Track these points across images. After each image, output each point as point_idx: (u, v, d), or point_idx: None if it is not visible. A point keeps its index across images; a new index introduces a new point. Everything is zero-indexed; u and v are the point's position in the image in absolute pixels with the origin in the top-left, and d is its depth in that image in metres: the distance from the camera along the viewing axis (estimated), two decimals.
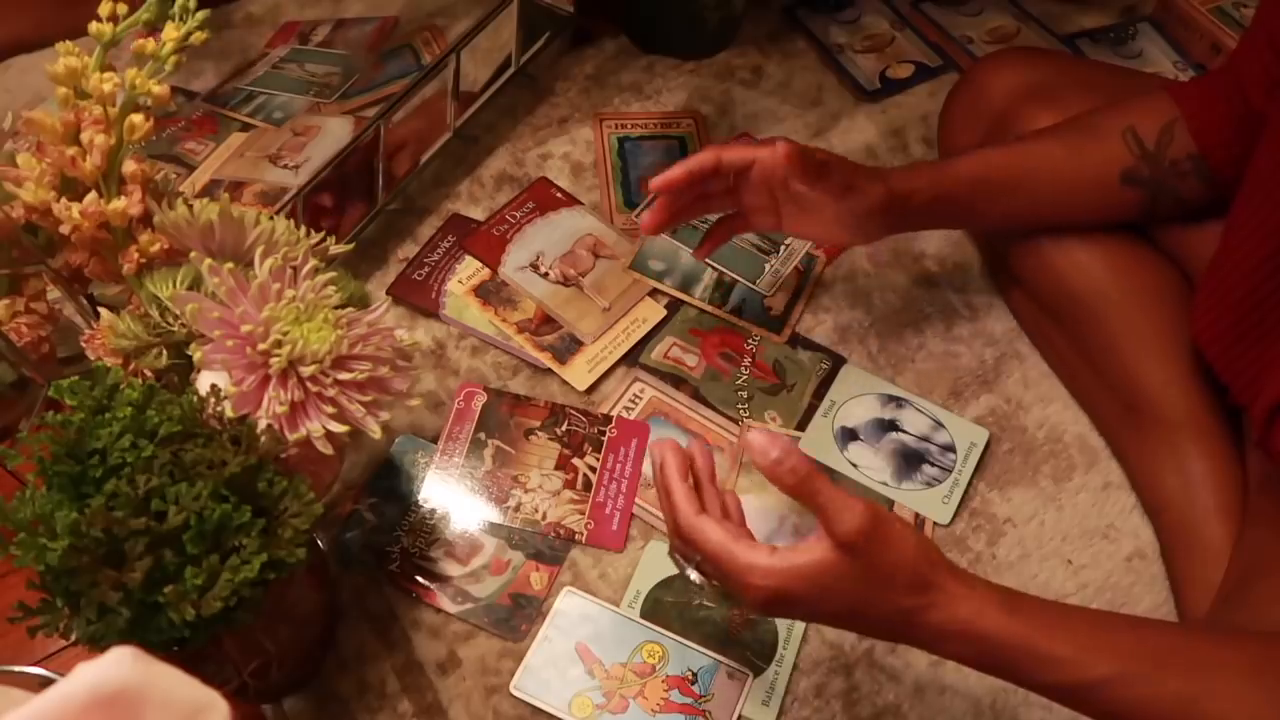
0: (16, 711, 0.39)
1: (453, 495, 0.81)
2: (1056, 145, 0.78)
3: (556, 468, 0.83)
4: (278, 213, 0.72)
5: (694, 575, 0.61)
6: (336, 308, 0.63)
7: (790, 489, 0.54)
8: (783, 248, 0.96)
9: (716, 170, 0.76)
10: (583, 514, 0.80)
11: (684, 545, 0.59)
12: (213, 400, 0.58)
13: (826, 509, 0.53)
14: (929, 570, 0.54)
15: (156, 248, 0.64)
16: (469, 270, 0.94)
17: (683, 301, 0.93)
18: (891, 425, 0.85)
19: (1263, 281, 0.65)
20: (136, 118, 0.63)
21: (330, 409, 0.61)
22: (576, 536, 0.79)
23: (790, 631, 0.76)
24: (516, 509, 0.80)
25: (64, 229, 0.62)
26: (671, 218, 0.78)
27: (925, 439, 0.85)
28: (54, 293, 0.69)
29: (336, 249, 0.70)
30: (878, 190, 0.76)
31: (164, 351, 0.63)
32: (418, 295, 0.92)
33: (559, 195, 1.00)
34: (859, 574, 0.53)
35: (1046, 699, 0.56)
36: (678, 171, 0.76)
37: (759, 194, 0.78)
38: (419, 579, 0.77)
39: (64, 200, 0.62)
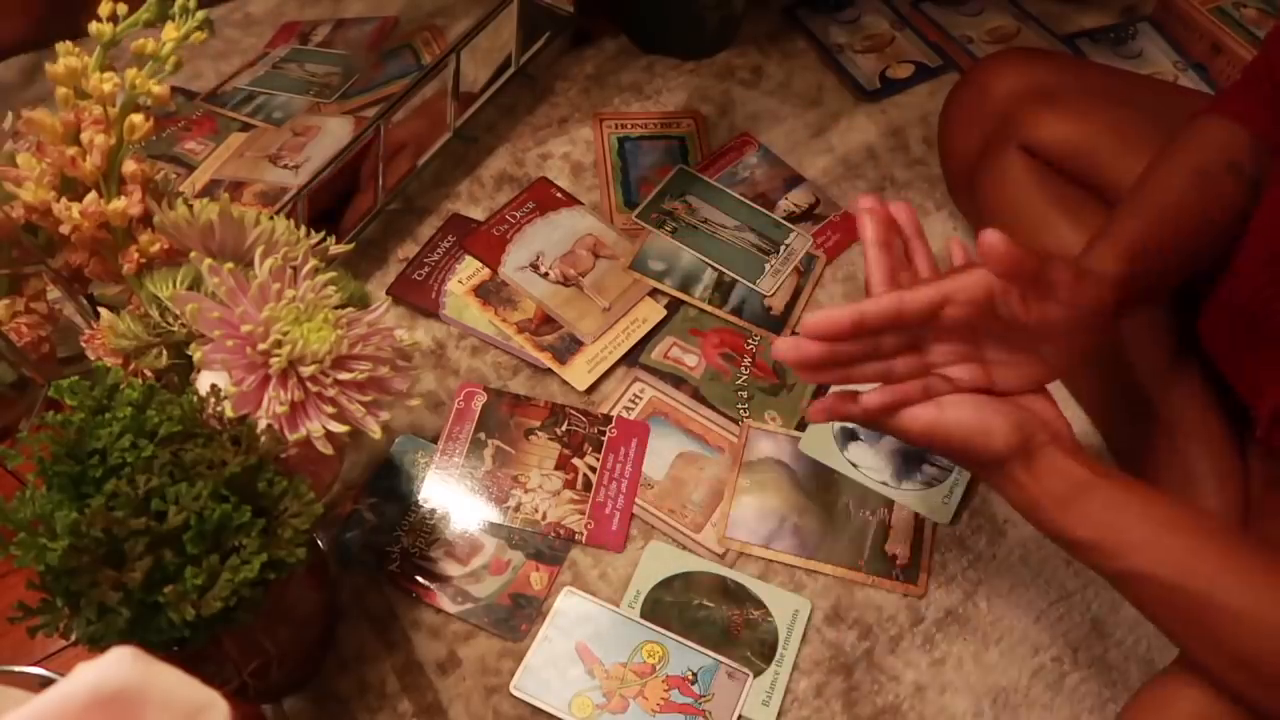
0: (16, 711, 0.39)
1: (453, 495, 0.81)
2: (1192, 199, 0.68)
3: (556, 468, 0.83)
4: (278, 213, 0.72)
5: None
6: (336, 308, 0.63)
7: (1029, 268, 0.56)
8: (783, 248, 0.96)
9: (896, 323, 0.57)
10: (583, 514, 0.80)
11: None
12: (213, 400, 0.58)
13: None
14: None
15: (156, 248, 0.64)
16: (469, 270, 0.94)
17: (683, 301, 0.93)
18: None
19: (1271, 281, 0.65)
20: (136, 118, 0.62)
21: (330, 409, 0.61)
22: (576, 536, 0.79)
23: (790, 631, 0.76)
24: (516, 509, 0.80)
25: (64, 229, 0.62)
26: (827, 372, 0.59)
27: None
28: (54, 293, 0.69)
29: (336, 249, 0.70)
30: (1092, 283, 0.61)
31: (164, 351, 0.63)
32: (418, 295, 0.92)
33: (559, 195, 1.00)
34: None
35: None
36: (843, 316, 0.56)
37: (956, 343, 0.59)
38: (419, 579, 0.77)
39: (64, 200, 0.62)
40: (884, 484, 0.82)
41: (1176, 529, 0.57)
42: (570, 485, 0.82)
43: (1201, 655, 0.56)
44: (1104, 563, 0.58)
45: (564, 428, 0.85)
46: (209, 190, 0.97)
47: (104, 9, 0.63)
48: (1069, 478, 0.58)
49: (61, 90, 0.63)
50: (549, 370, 0.88)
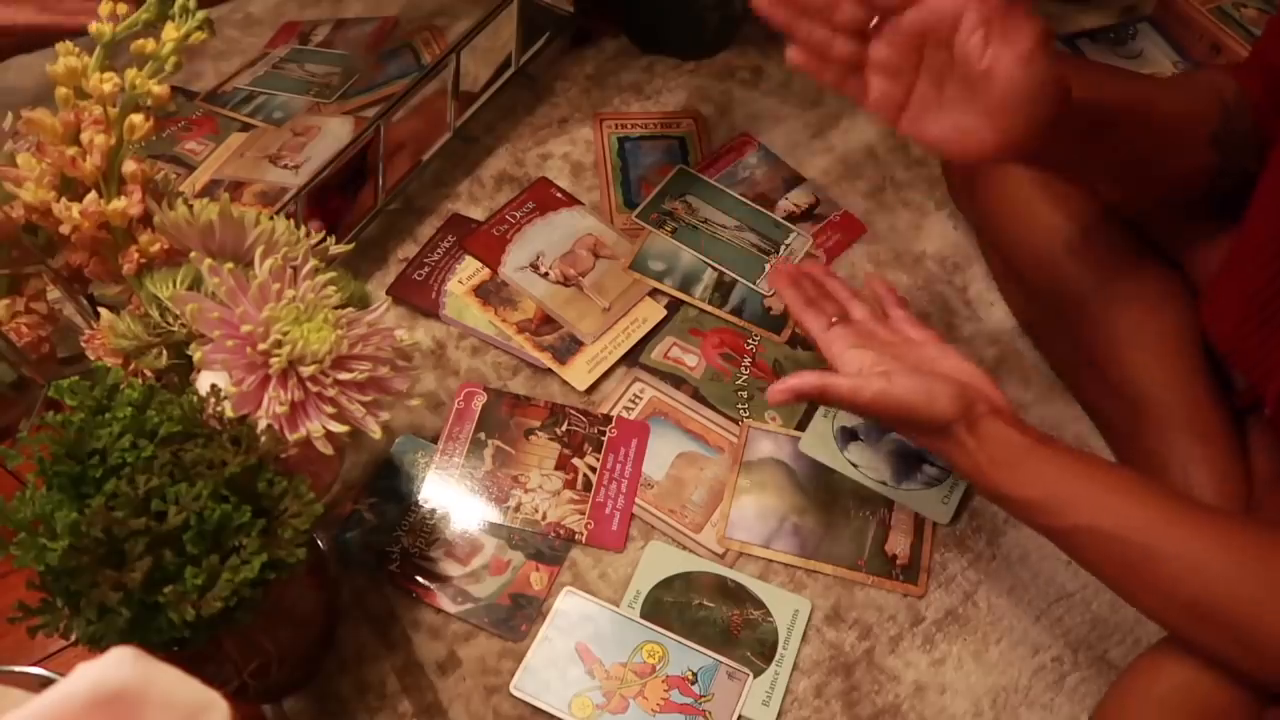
0: (16, 711, 0.39)
1: (453, 495, 0.81)
2: (1159, 91, 0.71)
3: (556, 468, 0.83)
4: (278, 213, 0.72)
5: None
6: (336, 308, 0.63)
7: None
8: (783, 248, 0.96)
9: None
10: (583, 514, 0.80)
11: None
12: (213, 400, 0.58)
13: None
14: None
15: (156, 248, 0.64)
16: (469, 270, 0.94)
17: (683, 301, 0.92)
18: None
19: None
20: (136, 118, 0.63)
21: (330, 409, 0.61)
22: (576, 536, 0.79)
23: (790, 631, 0.76)
24: (516, 509, 0.80)
25: (64, 229, 0.62)
26: (781, 8, 0.58)
27: None
28: (54, 293, 0.69)
29: (336, 249, 0.70)
30: (1048, 63, 0.58)
31: (164, 351, 0.63)
32: (418, 295, 0.92)
33: (559, 195, 1.00)
34: None
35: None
36: None
37: (900, 50, 0.59)
38: (419, 579, 0.77)
39: (64, 200, 0.62)
40: (884, 484, 0.82)
41: (1116, 486, 0.60)
42: (570, 485, 0.82)
43: (1151, 606, 0.58)
44: (1047, 521, 0.61)
45: (564, 428, 0.85)
46: (209, 190, 0.97)
47: (104, 9, 0.63)
48: (1010, 442, 0.62)
49: (61, 90, 0.63)
50: (549, 370, 0.88)
